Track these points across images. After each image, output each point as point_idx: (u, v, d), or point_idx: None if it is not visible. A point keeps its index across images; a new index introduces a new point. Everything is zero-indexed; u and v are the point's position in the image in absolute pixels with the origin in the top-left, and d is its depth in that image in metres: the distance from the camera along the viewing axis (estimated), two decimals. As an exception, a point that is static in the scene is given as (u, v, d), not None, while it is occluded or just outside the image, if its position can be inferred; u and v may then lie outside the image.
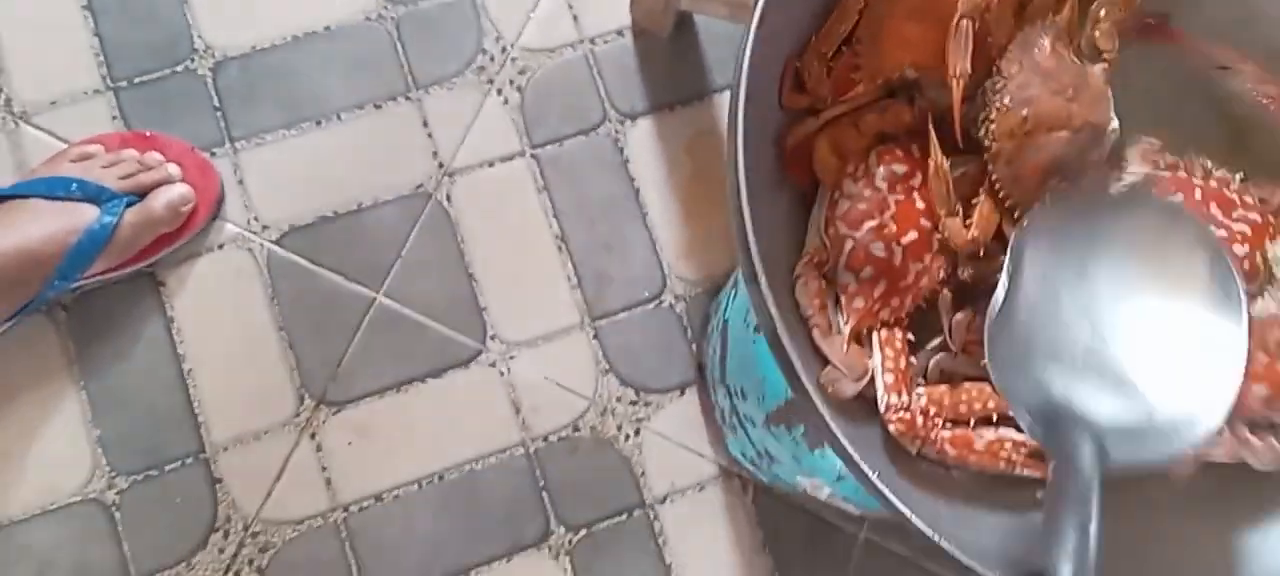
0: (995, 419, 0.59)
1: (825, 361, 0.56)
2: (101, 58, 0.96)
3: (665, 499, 0.94)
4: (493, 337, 0.95)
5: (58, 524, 0.90)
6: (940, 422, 0.57)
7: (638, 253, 0.96)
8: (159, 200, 0.89)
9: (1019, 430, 0.59)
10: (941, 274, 0.58)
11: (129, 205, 0.88)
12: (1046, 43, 0.56)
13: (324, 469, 0.92)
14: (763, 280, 0.51)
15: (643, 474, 0.94)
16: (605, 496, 0.93)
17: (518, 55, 0.98)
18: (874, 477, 0.50)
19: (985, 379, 0.60)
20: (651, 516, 0.93)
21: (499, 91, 0.98)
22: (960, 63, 0.54)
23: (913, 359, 0.59)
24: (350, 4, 0.98)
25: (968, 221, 0.57)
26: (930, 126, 0.56)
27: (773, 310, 0.51)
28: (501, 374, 0.94)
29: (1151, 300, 0.50)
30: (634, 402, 0.95)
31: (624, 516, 0.93)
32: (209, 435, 0.92)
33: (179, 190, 0.91)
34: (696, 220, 0.97)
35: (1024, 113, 0.55)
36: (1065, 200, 0.55)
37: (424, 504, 0.92)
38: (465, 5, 0.99)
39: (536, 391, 0.94)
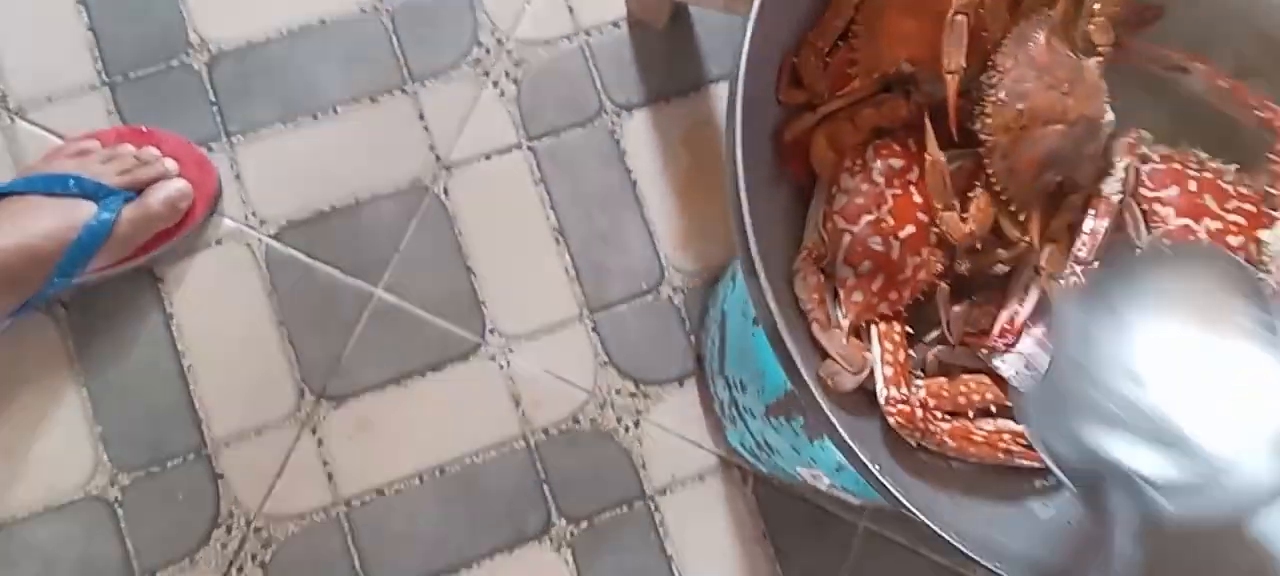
0: (994, 410, 0.60)
1: (824, 355, 0.57)
2: (96, 53, 0.96)
3: (665, 490, 0.94)
4: (492, 331, 0.95)
5: (61, 521, 0.91)
6: (939, 415, 0.58)
7: (635, 244, 0.97)
8: (157, 196, 0.89)
9: (1017, 420, 0.60)
10: (939, 267, 0.58)
11: (127, 201, 0.88)
12: (1041, 37, 0.56)
13: (325, 463, 0.93)
14: (762, 275, 0.51)
15: (643, 465, 0.94)
16: (606, 488, 0.94)
17: (513, 47, 0.98)
18: (875, 470, 0.50)
19: (983, 370, 0.60)
20: (652, 507, 0.94)
21: (495, 84, 0.98)
22: (955, 57, 0.54)
23: (911, 351, 0.59)
24: (345, -3, 0.98)
25: (964, 215, 0.57)
26: (927, 121, 0.57)
27: (772, 305, 0.51)
28: (501, 367, 0.95)
29: (1192, 348, 0.48)
30: (633, 394, 0.95)
31: (625, 507, 0.94)
32: (210, 430, 0.92)
33: (176, 186, 0.91)
34: (693, 211, 0.97)
35: (1019, 107, 0.55)
36: (1104, 263, 0.55)
37: (425, 497, 0.93)
38: (460, -3, 0.99)
39: (536, 384, 0.95)
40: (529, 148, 0.97)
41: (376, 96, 0.97)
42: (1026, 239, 0.58)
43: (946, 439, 0.57)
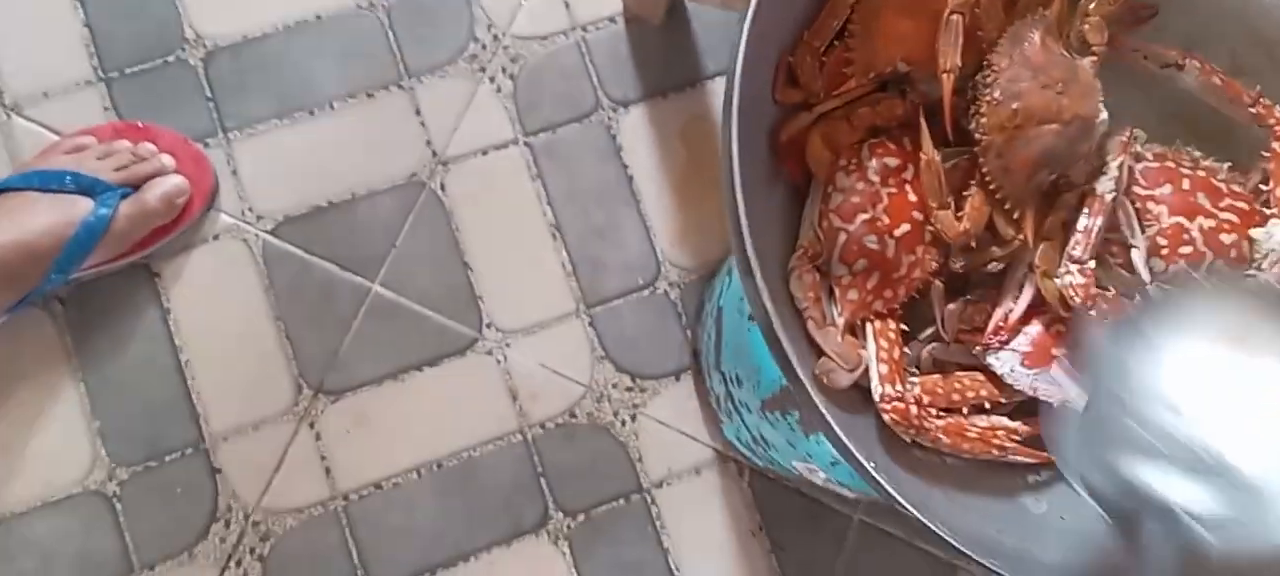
0: (988, 406, 0.60)
1: (820, 353, 0.57)
2: (92, 48, 0.96)
3: (662, 483, 0.95)
4: (489, 326, 0.95)
5: (59, 515, 0.91)
6: (933, 411, 0.58)
7: (632, 239, 0.97)
8: (154, 192, 0.89)
9: (1011, 417, 0.61)
10: (934, 265, 0.59)
11: (123, 197, 0.88)
12: (1036, 36, 0.56)
13: (323, 457, 0.93)
14: (758, 274, 0.51)
15: (639, 459, 0.95)
16: (603, 481, 0.94)
17: (510, 43, 0.98)
18: (870, 468, 0.51)
19: (977, 367, 0.61)
20: (649, 500, 0.95)
21: (491, 79, 0.98)
22: (951, 57, 0.55)
23: (906, 349, 0.60)
24: (341, -8, 0.98)
25: (959, 213, 0.57)
26: (922, 120, 0.57)
27: (768, 304, 0.52)
28: (498, 361, 0.95)
29: (1230, 375, 0.47)
30: (630, 389, 0.96)
31: (621, 501, 0.94)
32: (208, 425, 0.93)
33: (173, 181, 0.91)
34: (690, 206, 0.98)
35: (1014, 106, 0.56)
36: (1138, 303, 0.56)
37: (423, 491, 0.93)
38: (456, -7, 0.99)
39: (533, 378, 0.95)
40: (525, 143, 0.97)
41: (373, 92, 0.97)
42: (1021, 237, 0.58)
43: (941, 435, 0.58)
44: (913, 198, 0.58)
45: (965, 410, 0.60)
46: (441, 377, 0.95)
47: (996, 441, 0.59)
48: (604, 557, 0.94)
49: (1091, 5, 0.58)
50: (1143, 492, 0.45)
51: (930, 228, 0.58)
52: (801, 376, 0.52)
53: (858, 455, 0.51)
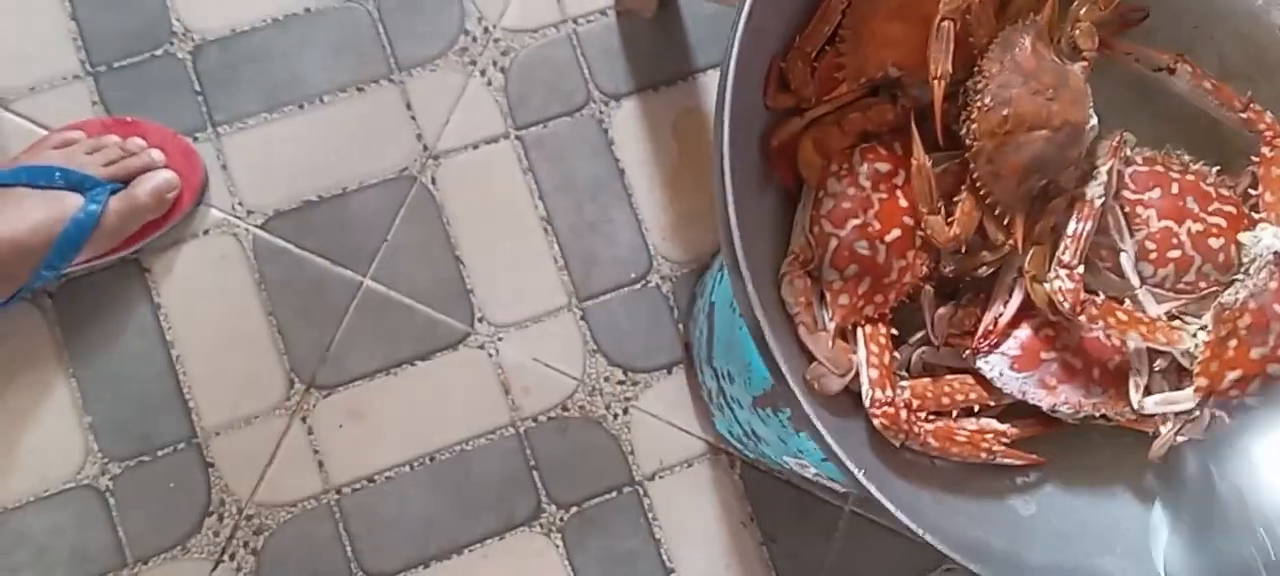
0: (977, 409, 0.61)
1: (811, 358, 0.57)
2: (79, 42, 0.95)
3: (654, 476, 0.95)
4: (480, 320, 0.95)
5: (53, 510, 0.91)
6: (923, 416, 0.59)
7: (623, 233, 0.97)
8: (143, 187, 0.89)
9: (1000, 420, 0.61)
10: (924, 270, 0.59)
11: (113, 193, 0.88)
12: (1027, 42, 0.56)
13: (316, 451, 0.93)
14: (748, 281, 0.52)
15: (631, 451, 0.95)
16: (595, 474, 0.95)
17: (500, 36, 0.98)
18: (860, 476, 0.51)
19: (966, 370, 0.61)
20: (641, 493, 0.95)
21: (482, 73, 0.98)
22: (942, 63, 0.55)
23: (896, 353, 0.60)
24: (330, -16, 0.97)
25: (950, 218, 0.58)
26: (913, 125, 0.57)
27: (758, 312, 0.52)
28: (490, 355, 0.95)
29: None
30: (622, 382, 0.96)
31: (614, 493, 0.95)
32: (200, 420, 0.93)
33: (163, 176, 0.90)
34: (681, 200, 0.98)
35: (1004, 112, 0.56)
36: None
37: (416, 484, 0.94)
38: (446, -15, 0.98)
39: (525, 372, 0.95)
40: (516, 137, 0.97)
41: (363, 86, 0.97)
42: (1011, 241, 0.58)
43: (930, 439, 0.58)
44: (903, 203, 0.58)
45: (954, 413, 0.60)
46: (434, 371, 0.95)
47: (985, 444, 0.59)
48: (596, 550, 0.94)
49: (1082, 11, 0.58)
50: None
51: (921, 233, 0.58)
52: (792, 383, 0.53)
53: (848, 463, 0.51)
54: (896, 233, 0.58)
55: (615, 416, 0.96)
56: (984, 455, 0.60)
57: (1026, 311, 0.60)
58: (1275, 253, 0.58)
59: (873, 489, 0.51)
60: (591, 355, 0.96)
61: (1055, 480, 0.62)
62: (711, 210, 0.95)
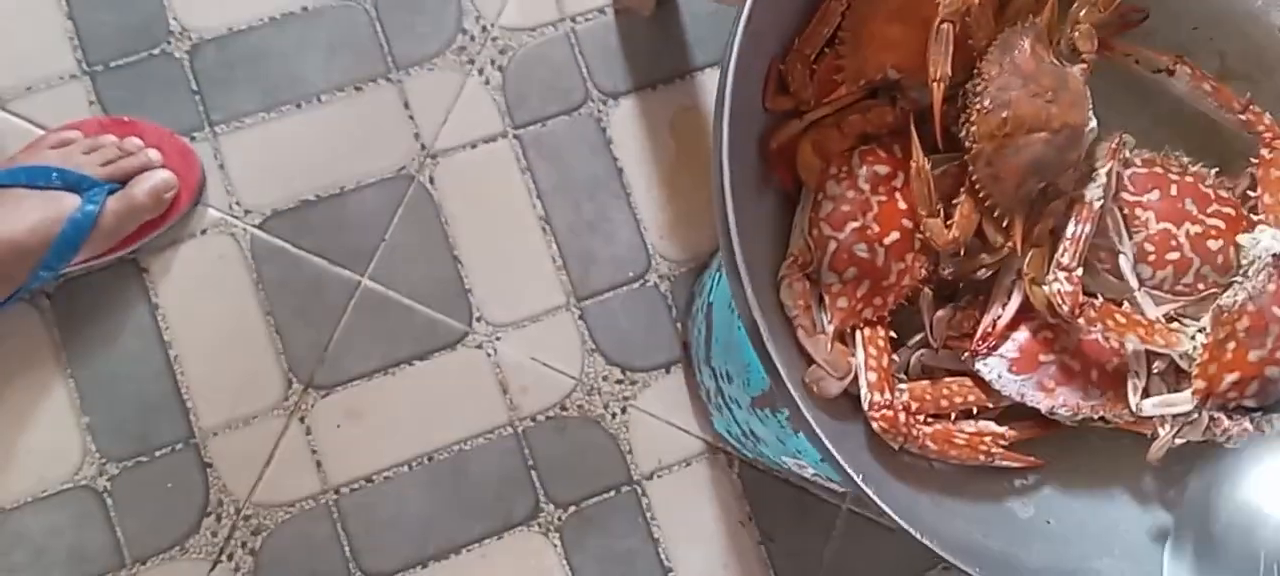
0: (975, 412, 0.61)
1: (810, 361, 0.57)
2: (76, 42, 0.95)
3: (652, 475, 0.95)
4: (479, 319, 0.95)
5: (51, 511, 0.91)
6: (922, 418, 0.59)
7: (622, 232, 0.97)
8: (141, 187, 0.89)
9: (998, 422, 0.61)
10: (923, 272, 0.59)
11: (111, 193, 0.88)
12: (1026, 44, 0.56)
13: (314, 451, 0.93)
14: (747, 285, 0.52)
15: (630, 451, 0.95)
16: (593, 473, 0.95)
17: (498, 34, 0.98)
18: (859, 480, 0.51)
19: (965, 373, 0.61)
20: (639, 492, 0.95)
21: (480, 71, 0.97)
22: (941, 66, 0.55)
23: (895, 356, 0.60)
24: (327, -17, 0.97)
25: (949, 221, 0.58)
26: (912, 127, 0.57)
27: (757, 315, 0.52)
28: (488, 355, 0.95)
29: None
30: (620, 381, 0.96)
31: (612, 493, 0.95)
32: (198, 420, 0.93)
33: (161, 176, 0.90)
34: (680, 199, 0.98)
35: (1003, 115, 0.56)
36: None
37: (414, 484, 0.93)
38: (444, -17, 0.98)
39: (523, 372, 0.95)
40: (514, 136, 0.97)
41: (361, 85, 0.96)
42: (1009, 244, 0.58)
43: (929, 443, 0.58)
44: (903, 205, 0.58)
45: (953, 416, 0.60)
46: (432, 371, 0.95)
47: (983, 447, 0.59)
48: (595, 549, 0.94)
49: (1082, 13, 0.58)
50: None
51: (920, 235, 0.58)
52: (790, 387, 0.53)
53: (847, 468, 0.51)
54: (895, 235, 0.58)
55: (613, 416, 0.96)
56: (982, 457, 0.60)
57: (1025, 314, 0.60)
58: (1274, 255, 0.58)
59: (871, 493, 0.51)
60: (590, 354, 0.96)
61: (1053, 482, 0.62)
62: (710, 209, 0.95)
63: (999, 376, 0.60)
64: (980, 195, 0.57)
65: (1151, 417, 0.59)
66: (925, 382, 0.60)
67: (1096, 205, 0.58)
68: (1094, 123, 0.57)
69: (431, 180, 0.96)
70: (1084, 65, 0.58)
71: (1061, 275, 0.57)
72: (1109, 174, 0.59)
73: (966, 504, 0.60)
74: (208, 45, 0.96)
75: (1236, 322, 0.57)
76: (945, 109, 0.56)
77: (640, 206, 0.97)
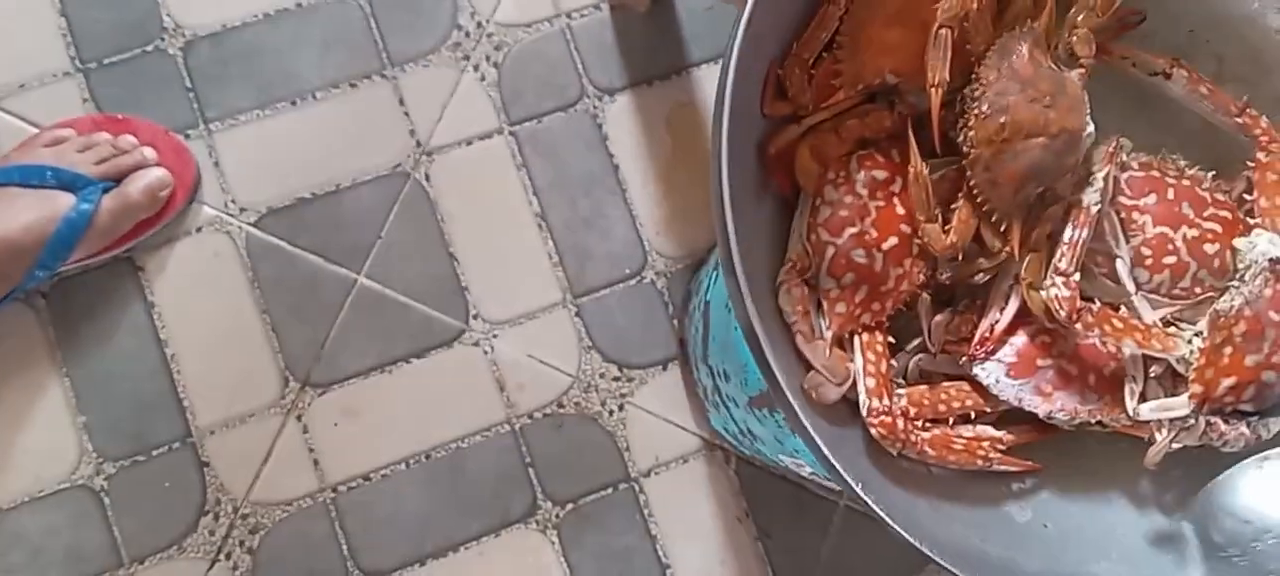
0: (973, 416, 0.61)
1: (808, 366, 0.57)
2: (69, 38, 0.94)
3: (650, 472, 0.96)
4: (475, 317, 0.95)
5: (48, 510, 0.91)
6: (920, 424, 0.59)
7: (618, 229, 0.97)
8: (136, 185, 0.88)
9: (995, 426, 0.61)
10: (921, 277, 0.59)
11: (105, 191, 0.88)
12: (1024, 50, 0.56)
13: (311, 450, 0.93)
14: (746, 291, 0.52)
15: (627, 448, 0.96)
16: (591, 471, 0.95)
17: (494, 31, 0.97)
18: (858, 488, 0.51)
19: (963, 377, 0.61)
20: (636, 489, 0.95)
21: (475, 68, 0.97)
22: (939, 71, 0.55)
23: (893, 361, 0.60)
24: (322, -21, 0.96)
25: (947, 226, 0.58)
26: (910, 132, 0.57)
27: (755, 321, 0.52)
28: (485, 353, 0.95)
29: None
30: (617, 378, 0.96)
31: (610, 490, 0.95)
32: (195, 419, 0.92)
33: (156, 174, 0.90)
34: (676, 195, 0.97)
35: (1001, 120, 0.55)
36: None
37: (412, 482, 0.94)
38: (439, -21, 0.97)
39: (520, 369, 0.95)
40: (510, 132, 0.97)
41: (356, 82, 0.96)
42: (1007, 249, 0.58)
43: (927, 448, 0.58)
44: (901, 210, 0.58)
45: (951, 420, 0.60)
46: (428, 369, 0.95)
47: (981, 452, 0.60)
48: (592, 546, 0.95)
49: (1079, 17, 0.58)
50: None
51: (918, 240, 0.58)
52: (789, 393, 0.53)
53: (845, 475, 0.51)
54: (893, 240, 0.58)
55: (610, 413, 0.96)
56: (980, 462, 0.60)
57: (1023, 318, 0.60)
58: (1270, 259, 0.58)
59: (870, 501, 0.51)
60: (586, 351, 0.96)
61: (1051, 486, 0.62)
62: (706, 205, 0.95)
63: (997, 381, 0.60)
64: (978, 200, 0.57)
65: (1149, 422, 0.59)
66: (923, 387, 0.60)
67: (1094, 210, 0.58)
68: (1092, 127, 0.57)
69: (427, 177, 0.96)
70: (1082, 70, 0.58)
71: (1059, 280, 0.57)
72: (1106, 178, 0.59)
73: (964, 508, 0.60)
74: (202, 42, 0.95)
75: (1233, 327, 0.57)
76: (943, 114, 0.56)
77: (636, 203, 0.97)
